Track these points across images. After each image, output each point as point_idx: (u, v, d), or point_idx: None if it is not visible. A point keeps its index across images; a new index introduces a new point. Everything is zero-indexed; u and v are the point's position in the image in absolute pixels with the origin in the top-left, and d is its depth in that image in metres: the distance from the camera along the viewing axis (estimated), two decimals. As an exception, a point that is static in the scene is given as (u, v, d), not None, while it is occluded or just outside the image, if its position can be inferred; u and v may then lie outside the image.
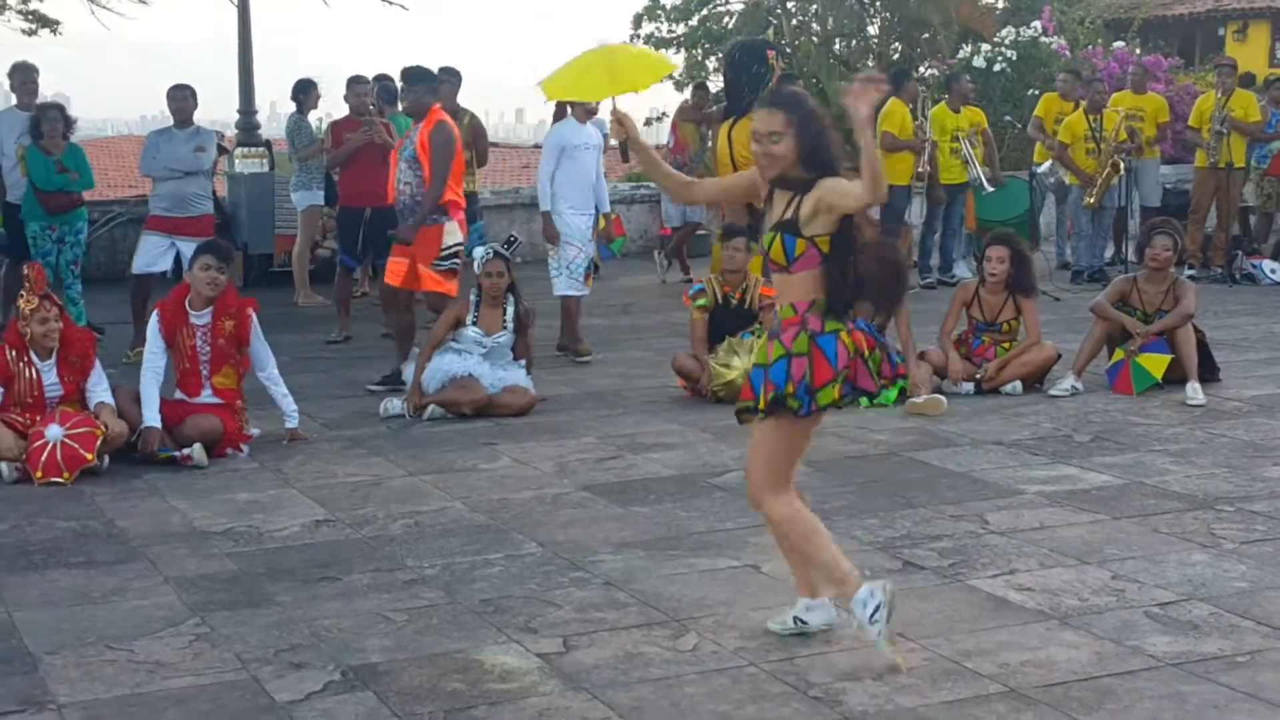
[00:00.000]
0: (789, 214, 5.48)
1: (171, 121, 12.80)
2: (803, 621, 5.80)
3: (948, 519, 7.44)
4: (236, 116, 18.49)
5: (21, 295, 8.82)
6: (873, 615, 5.37)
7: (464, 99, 14.13)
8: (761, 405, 5.48)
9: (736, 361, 10.19)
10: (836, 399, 5.45)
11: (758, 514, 5.78)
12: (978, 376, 10.61)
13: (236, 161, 17.42)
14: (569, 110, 12.58)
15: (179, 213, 12.40)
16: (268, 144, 17.94)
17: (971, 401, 10.32)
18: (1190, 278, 13.22)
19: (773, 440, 5.58)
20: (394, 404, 10.11)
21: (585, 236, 12.48)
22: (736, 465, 8.50)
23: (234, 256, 9.64)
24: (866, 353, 5.50)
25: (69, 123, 12.78)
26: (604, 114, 12.58)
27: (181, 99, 12.68)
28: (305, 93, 15.56)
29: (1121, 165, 16.56)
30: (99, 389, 8.87)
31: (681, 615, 6.08)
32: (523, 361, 10.37)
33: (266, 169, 17.18)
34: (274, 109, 78.48)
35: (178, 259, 12.33)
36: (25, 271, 8.95)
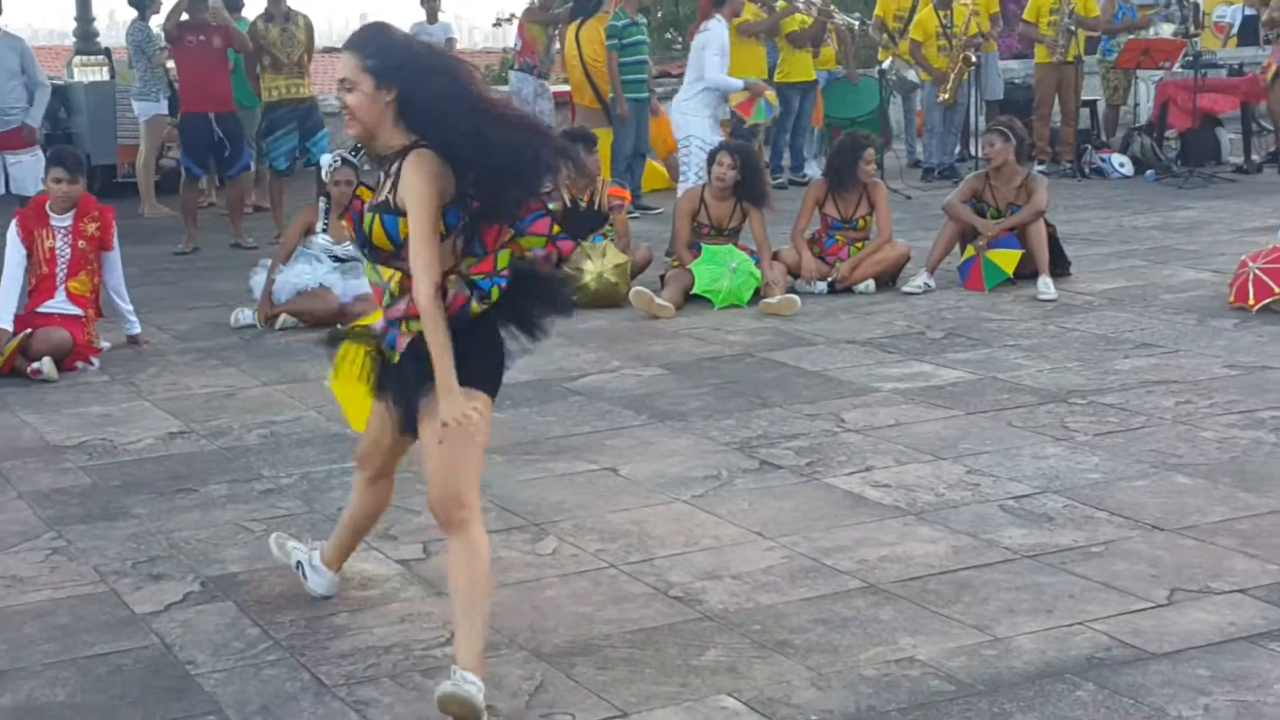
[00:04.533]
0: (387, 195, 4.47)
1: None
2: (303, 571, 5.31)
3: (804, 418, 7.48)
4: (74, 24, 18.03)
5: None
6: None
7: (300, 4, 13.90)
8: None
9: (589, 265, 10.14)
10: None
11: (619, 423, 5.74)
12: (831, 276, 10.66)
13: (75, 70, 17.02)
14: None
15: None
16: (107, 52, 17.54)
17: (825, 301, 10.37)
18: (1039, 172, 13.32)
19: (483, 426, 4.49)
20: (245, 314, 9.97)
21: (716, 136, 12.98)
22: (593, 369, 8.51)
23: (84, 164, 9.58)
24: None
25: None
26: None
27: None
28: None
29: (973, 59, 16.59)
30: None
31: (540, 519, 6.07)
32: (375, 269, 10.24)
33: (107, 77, 16.79)
34: (113, 17, 76.84)
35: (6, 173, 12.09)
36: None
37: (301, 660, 4.83)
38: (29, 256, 8.99)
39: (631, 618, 5.09)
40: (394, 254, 4.46)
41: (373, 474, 5.07)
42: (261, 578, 5.53)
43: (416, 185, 4.34)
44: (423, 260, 4.31)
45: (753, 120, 14.12)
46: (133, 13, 15.19)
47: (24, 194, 11.68)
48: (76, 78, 16.81)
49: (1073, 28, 16.86)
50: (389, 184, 4.45)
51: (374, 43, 4.46)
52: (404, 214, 4.37)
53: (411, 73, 4.42)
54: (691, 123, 13.28)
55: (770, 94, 14.41)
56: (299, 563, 5.36)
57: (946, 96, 16.54)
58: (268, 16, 13.45)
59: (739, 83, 13.63)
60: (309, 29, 13.67)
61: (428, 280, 4.29)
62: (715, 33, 13.67)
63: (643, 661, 4.74)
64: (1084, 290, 10.48)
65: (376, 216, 4.45)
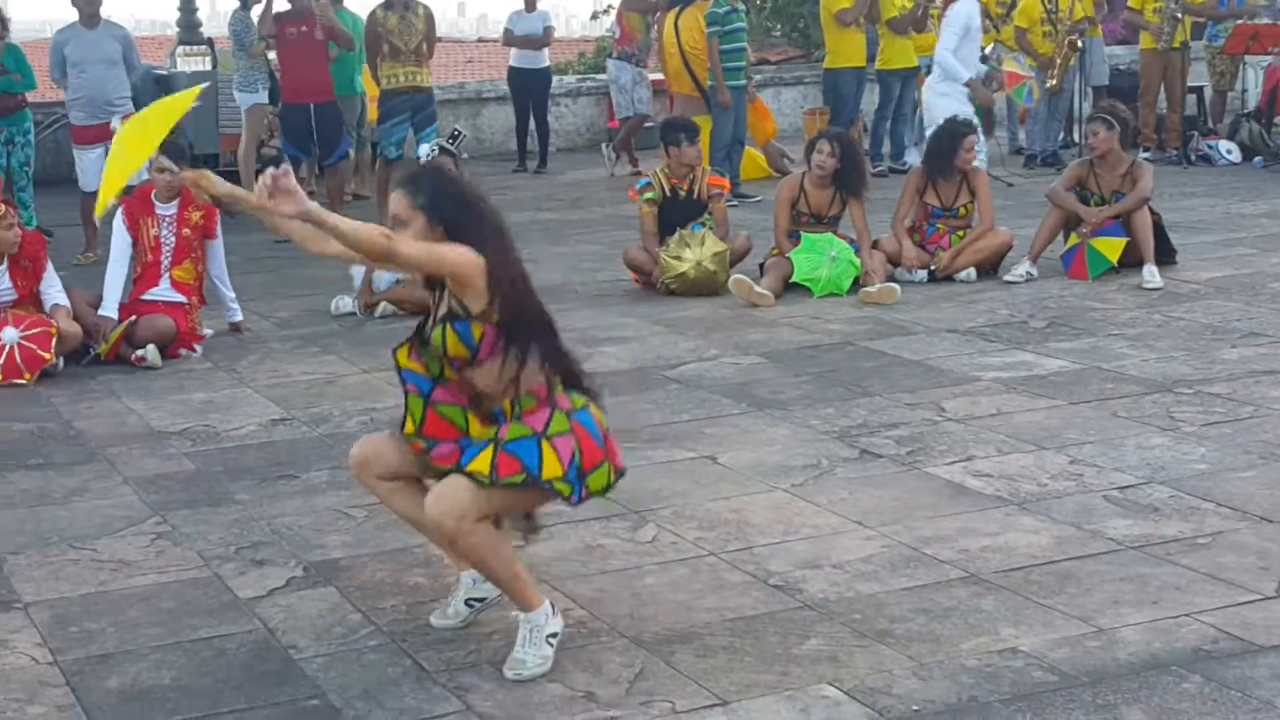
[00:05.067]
0: (449, 304, 4.70)
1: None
2: (478, 600, 5.00)
3: (904, 407, 7.44)
4: (177, 14, 18.22)
5: None
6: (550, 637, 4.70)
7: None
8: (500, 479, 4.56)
9: (687, 253, 10.14)
10: (608, 483, 4.75)
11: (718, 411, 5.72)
12: (932, 264, 10.58)
13: (179, 60, 17.18)
14: None
15: (101, 118, 12.20)
16: (209, 42, 17.70)
17: (926, 289, 10.29)
18: (1145, 159, 13.16)
19: (502, 497, 4.64)
20: (345, 302, 10.04)
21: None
22: (691, 357, 8.50)
23: (187, 153, 9.67)
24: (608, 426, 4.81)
25: (4, 22, 12.53)
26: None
27: None
28: (248, -12, 15.31)
29: (1079, 44, 16.36)
30: (53, 291, 8.85)
31: (639, 507, 6.07)
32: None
33: (209, 67, 16.95)
34: (214, 7, 77.68)
35: None
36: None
37: (403, 646, 4.85)
38: (134, 245, 9.12)
39: (731, 606, 5.08)
40: (471, 360, 4.64)
41: (378, 475, 4.95)
42: (363, 564, 5.56)
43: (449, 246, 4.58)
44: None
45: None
46: (235, 3, 15.33)
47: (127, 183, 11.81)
48: (180, 67, 16.97)
49: (1179, 14, 16.61)
50: (445, 296, 4.69)
51: (427, 186, 4.68)
52: (472, 316, 4.59)
53: (459, 214, 4.64)
54: (944, 104, 13.04)
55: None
56: (468, 600, 5.01)
57: (1054, 83, 16.31)
58: (387, 4, 13.52)
59: (965, 74, 13.47)
60: (429, 18, 13.70)
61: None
62: (959, 11, 13.59)
63: (742, 650, 4.73)
64: (1190, 279, 10.34)
65: (447, 326, 4.64)
